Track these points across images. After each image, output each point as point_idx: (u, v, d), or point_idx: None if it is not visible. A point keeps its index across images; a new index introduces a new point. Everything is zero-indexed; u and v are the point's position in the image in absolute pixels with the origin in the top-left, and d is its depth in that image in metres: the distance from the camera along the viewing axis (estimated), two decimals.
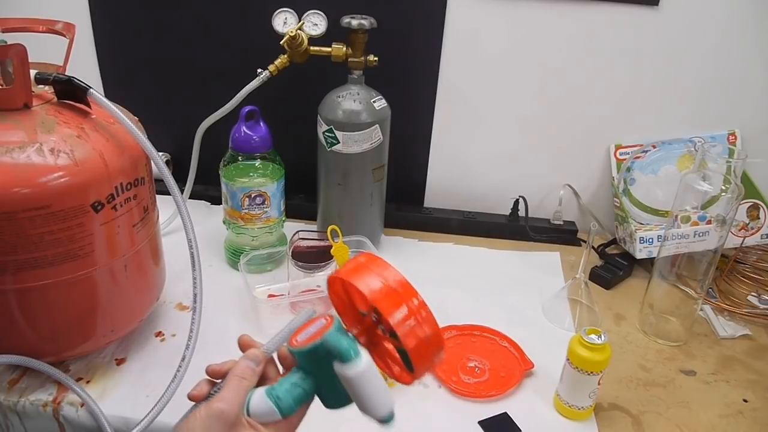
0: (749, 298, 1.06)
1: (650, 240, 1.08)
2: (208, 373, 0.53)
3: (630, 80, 1.13)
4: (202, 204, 1.25)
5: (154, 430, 0.74)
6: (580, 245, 1.21)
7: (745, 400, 0.84)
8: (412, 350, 0.48)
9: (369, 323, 0.54)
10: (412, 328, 0.48)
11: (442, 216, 1.23)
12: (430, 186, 1.28)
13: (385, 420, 0.51)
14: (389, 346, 0.54)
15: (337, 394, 0.52)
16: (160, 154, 1.26)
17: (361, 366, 0.49)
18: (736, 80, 1.10)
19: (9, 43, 0.66)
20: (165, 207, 1.03)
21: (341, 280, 0.52)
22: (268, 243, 1.05)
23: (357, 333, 0.53)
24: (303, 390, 0.52)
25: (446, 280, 1.06)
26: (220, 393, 0.50)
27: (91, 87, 0.70)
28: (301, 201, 1.23)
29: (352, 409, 0.79)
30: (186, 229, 0.70)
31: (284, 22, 1.00)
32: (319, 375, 0.52)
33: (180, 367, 0.72)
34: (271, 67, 1.02)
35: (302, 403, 0.53)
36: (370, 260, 0.52)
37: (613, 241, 1.21)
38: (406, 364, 0.52)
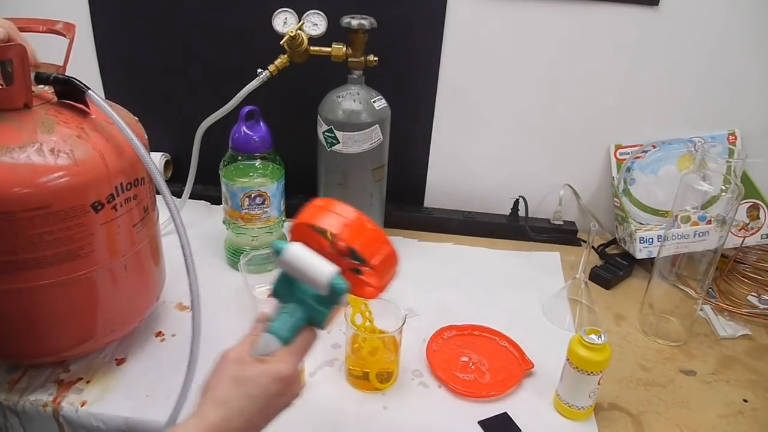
0: (749, 298, 1.06)
1: (650, 240, 1.08)
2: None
3: (630, 80, 1.13)
4: (202, 204, 1.25)
5: (149, 430, 0.74)
6: (580, 245, 1.21)
7: (745, 400, 0.84)
8: (377, 267, 0.57)
9: (335, 258, 0.60)
10: (373, 249, 0.57)
11: (442, 216, 1.23)
12: (430, 186, 1.28)
13: (336, 286, 0.56)
14: (351, 272, 0.63)
15: (318, 308, 0.58)
16: (161, 154, 1.26)
17: (291, 247, 0.57)
18: (736, 80, 1.10)
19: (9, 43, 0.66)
20: (165, 207, 1.02)
21: (306, 224, 0.59)
22: (268, 243, 1.05)
23: None
24: (292, 316, 0.58)
25: (446, 280, 1.06)
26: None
27: (89, 88, 0.70)
28: (301, 201, 1.21)
29: (350, 411, 0.79)
30: (179, 234, 0.69)
31: (284, 22, 1.00)
32: (299, 300, 0.59)
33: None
34: (271, 67, 1.02)
35: (297, 329, 0.58)
36: (326, 203, 0.59)
37: (613, 241, 1.21)
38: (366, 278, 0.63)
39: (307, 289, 0.58)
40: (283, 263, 0.57)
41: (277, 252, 0.57)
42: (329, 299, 0.57)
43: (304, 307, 0.58)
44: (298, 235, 0.61)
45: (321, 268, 0.56)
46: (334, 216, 0.57)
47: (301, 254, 0.57)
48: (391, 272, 0.60)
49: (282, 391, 0.56)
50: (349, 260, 0.61)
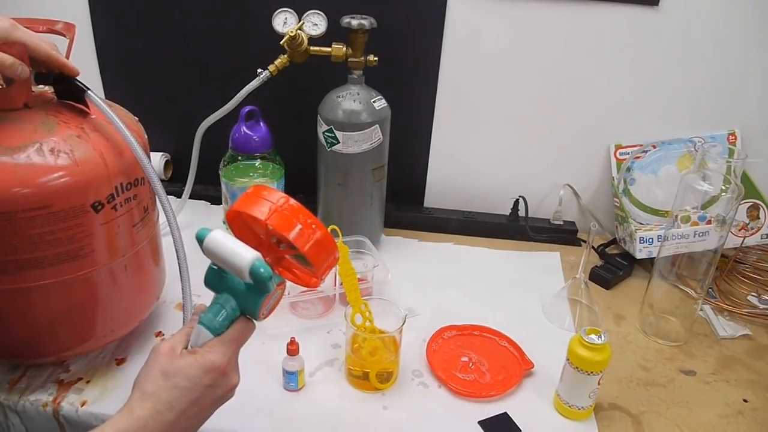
0: (749, 298, 1.06)
1: (650, 240, 1.08)
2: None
3: (630, 80, 1.13)
4: (202, 204, 1.25)
5: None
6: (580, 245, 1.21)
7: (745, 400, 0.84)
8: (307, 252, 0.55)
9: (271, 245, 0.60)
10: (302, 234, 0.55)
11: (442, 216, 1.23)
12: (430, 186, 1.28)
13: (257, 272, 0.53)
14: (292, 260, 0.62)
15: (249, 297, 0.57)
16: (161, 154, 1.26)
17: (212, 234, 0.54)
18: (736, 80, 1.10)
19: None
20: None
21: (237, 212, 0.57)
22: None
23: (263, 254, 0.57)
24: (222, 307, 0.57)
25: (446, 280, 1.06)
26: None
27: (89, 89, 0.70)
28: (301, 201, 1.22)
29: (350, 411, 0.79)
30: (174, 237, 0.69)
31: (284, 22, 1.00)
32: (231, 289, 0.57)
33: None
34: (271, 67, 1.02)
35: (231, 320, 0.58)
36: (257, 189, 0.57)
37: (613, 241, 1.21)
38: (307, 266, 0.61)
39: (235, 278, 0.56)
40: (206, 251, 0.55)
41: (200, 240, 0.55)
42: (257, 287, 0.55)
43: (236, 297, 0.57)
44: (236, 224, 0.59)
45: (241, 255, 0.53)
46: (264, 202, 0.55)
47: (221, 241, 0.54)
48: (326, 258, 0.57)
49: (214, 382, 0.55)
50: (287, 248, 0.59)
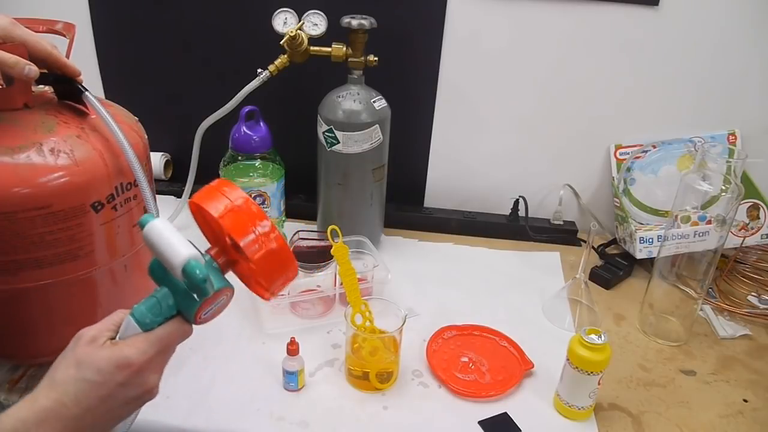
0: (749, 298, 1.06)
1: (650, 240, 1.08)
2: None
3: (630, 80, 1.13)
4: None
5: (148, 430, 0.74)
6: (580, 245, 1.21)
7: (745, 400, 0.84)
8: (256, 261, 0.49)
9: (227, 246, 0.54)
10: (255, 241, 0.49)
11: (442, 216, 1.23)
12: (430, 186, 1.28)
13: (190, 272, 0.48)
14: (247, 265, 0.55)
15: (187, 298, 0.52)
16: (161, 154, 1.26)
17: (152, 223, 0.50)
18: (736, 80, 1.10)
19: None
20: (165, 207, 1.03)
21: (196, 204, 0.53)
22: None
23: (215, 254, 0.54)
24: (159, 302, 0.52)
25: (446, 280, 1.06)
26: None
27: (87, 90, 0.70)
28: (301, 201, 1.23)
29: (350, 411, 0.79)
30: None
31: (284, 22, 1.00)
32: (172, 284, 0.52)
33: None
34: (271, 67, 1.02)
35: (164, 317, 0.52)
36: (220, 184, 0.53)
37: (613, 241, 1.21)
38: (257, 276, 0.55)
39: (177, 281, 0.51)
40: (145, 240, 0.50)
41: (141, 227, 0.51)
42: (191, 289, 0.50)
43: (175, 295, 0.52)
44: (198, 216, 0.55)
45: (175, 251, 0.48)
46: (222, 199, 0.51)
47: (160, 232, 0.49)
48: (279, 272, 0.52)
49: (127, 381, 0.50)
50: (241, 252, 0.52)
